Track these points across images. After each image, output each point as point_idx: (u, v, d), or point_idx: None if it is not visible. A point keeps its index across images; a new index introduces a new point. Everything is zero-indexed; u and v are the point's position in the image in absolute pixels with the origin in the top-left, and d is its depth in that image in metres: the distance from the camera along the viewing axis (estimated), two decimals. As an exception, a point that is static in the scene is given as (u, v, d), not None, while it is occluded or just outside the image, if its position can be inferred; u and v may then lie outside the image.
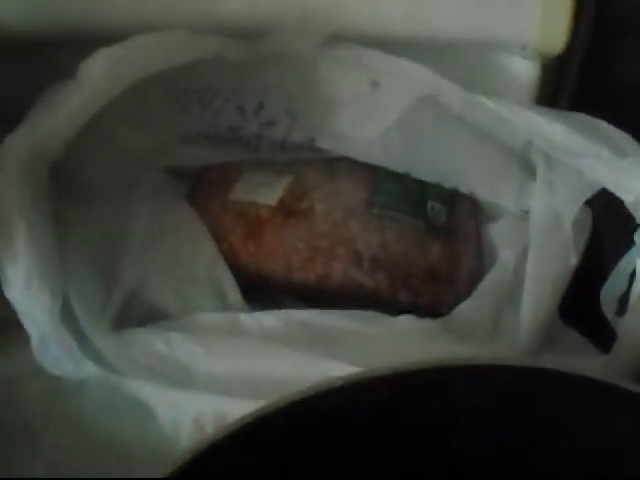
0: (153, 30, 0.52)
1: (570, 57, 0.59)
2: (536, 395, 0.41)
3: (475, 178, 0.57)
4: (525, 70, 0.58)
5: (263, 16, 0.54)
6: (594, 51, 0.64)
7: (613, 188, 0.53)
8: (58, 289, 0.49)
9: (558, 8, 0.54)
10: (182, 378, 0.47)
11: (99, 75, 0.50)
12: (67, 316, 0.49)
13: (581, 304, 0.52)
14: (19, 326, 0.50)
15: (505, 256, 0.54)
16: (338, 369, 0.45)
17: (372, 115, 0.55)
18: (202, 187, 0.57)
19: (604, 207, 0.55)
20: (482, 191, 0.57)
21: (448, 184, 0.57)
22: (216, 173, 0.57)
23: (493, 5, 0.54)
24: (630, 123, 0.54)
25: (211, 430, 0.46)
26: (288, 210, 0.54)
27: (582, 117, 0.54)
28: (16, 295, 0.48)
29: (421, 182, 0.56)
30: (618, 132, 0.53)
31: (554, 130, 0.53)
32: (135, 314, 0.52)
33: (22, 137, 0.50)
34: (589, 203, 0.55)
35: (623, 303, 0.50)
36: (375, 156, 0.56)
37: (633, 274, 0.49)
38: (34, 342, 0.49)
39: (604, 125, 0.54)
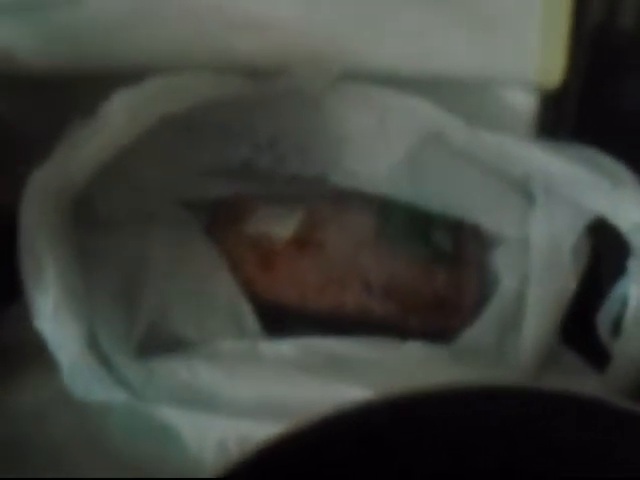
0: (169, 67, 0.55)
1: (568, 88, 0.61)
2: (537, 415, 0.44)
3: (478, 208, 0.59)
4: (524, 103, 0.61)
5: (274, 56, 0.57)
6: (591, 81, 0.67)
7: (609, 216, 0.56)
8: (85, 319, 0.51)
9: (556, 43, 0.57)
10: (205, 403, 0.50)
11: (119, 117, 0.53)
12: (93, 345, 0.52)
13: (579, 326, 0.55)
14: (45, 354, 0.52)
15: (507, 282, 0.57)
16: (352, 394, 0.48)
17: (380, 151, 0.58)
18: (218, 220, 0.59)
19: (603, 234, 0.58)
20: (485, 220, 0.60)
21: (452, 214, 0.59)
22: (231, 206, 0.60)
23: (494, 42, 0.57)
24: (628, 151, 0.57)
25: (235, 453, 0.49)
26: (301, 242, 0.56)
27: (579, 149, 0.57)
28: (45, 325, 0.51)
29: (427, 211, 0.59)
30: (613, 162, 0.56)
31: (552, 162, 0.57)
32: (157, 342, 0.54)
33: (48, 173, 0.53)
34: (589, 229, 0.58)
35: (618, 326, 0.53)
36: (383, 189, 0.58)
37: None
38: (64, 369, 0.51)
39: (600, 156, 0.57)
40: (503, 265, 0.58)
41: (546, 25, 0.56)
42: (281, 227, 0.57)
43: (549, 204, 0.58)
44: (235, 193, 0.60)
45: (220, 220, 0.59)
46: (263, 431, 0.42)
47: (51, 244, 0.52)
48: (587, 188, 0.56)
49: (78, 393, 0.52)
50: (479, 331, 0.54)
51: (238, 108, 0.57)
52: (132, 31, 0.57)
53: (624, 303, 0.53)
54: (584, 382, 0.51)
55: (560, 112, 0.65)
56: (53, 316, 0.51)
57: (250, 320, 0.54)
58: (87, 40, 0.58)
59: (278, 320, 0.55)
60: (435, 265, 0.57)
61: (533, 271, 0.56)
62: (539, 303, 0.54)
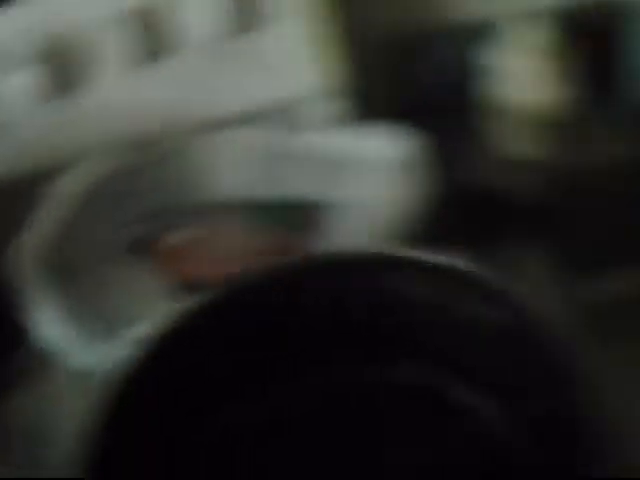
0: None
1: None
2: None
3: (317, 190, 0.82)
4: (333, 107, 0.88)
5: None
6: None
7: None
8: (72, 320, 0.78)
9: (330, 58, 0.85)
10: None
11: (64, 196, 0.81)
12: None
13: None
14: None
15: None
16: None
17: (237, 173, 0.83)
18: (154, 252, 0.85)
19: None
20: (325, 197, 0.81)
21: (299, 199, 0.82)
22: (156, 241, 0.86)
23: (283, 77, 0.86)
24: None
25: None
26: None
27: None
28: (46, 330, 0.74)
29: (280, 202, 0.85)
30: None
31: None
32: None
33: (27, 238, 0.78)
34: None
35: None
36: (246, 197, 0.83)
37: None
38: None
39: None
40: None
41: (319, 49, 0.83)
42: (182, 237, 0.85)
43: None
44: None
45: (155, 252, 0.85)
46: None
47: (41, 281, 0.79)
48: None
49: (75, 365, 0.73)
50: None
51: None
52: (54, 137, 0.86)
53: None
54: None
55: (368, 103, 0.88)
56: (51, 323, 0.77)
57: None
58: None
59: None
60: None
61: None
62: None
